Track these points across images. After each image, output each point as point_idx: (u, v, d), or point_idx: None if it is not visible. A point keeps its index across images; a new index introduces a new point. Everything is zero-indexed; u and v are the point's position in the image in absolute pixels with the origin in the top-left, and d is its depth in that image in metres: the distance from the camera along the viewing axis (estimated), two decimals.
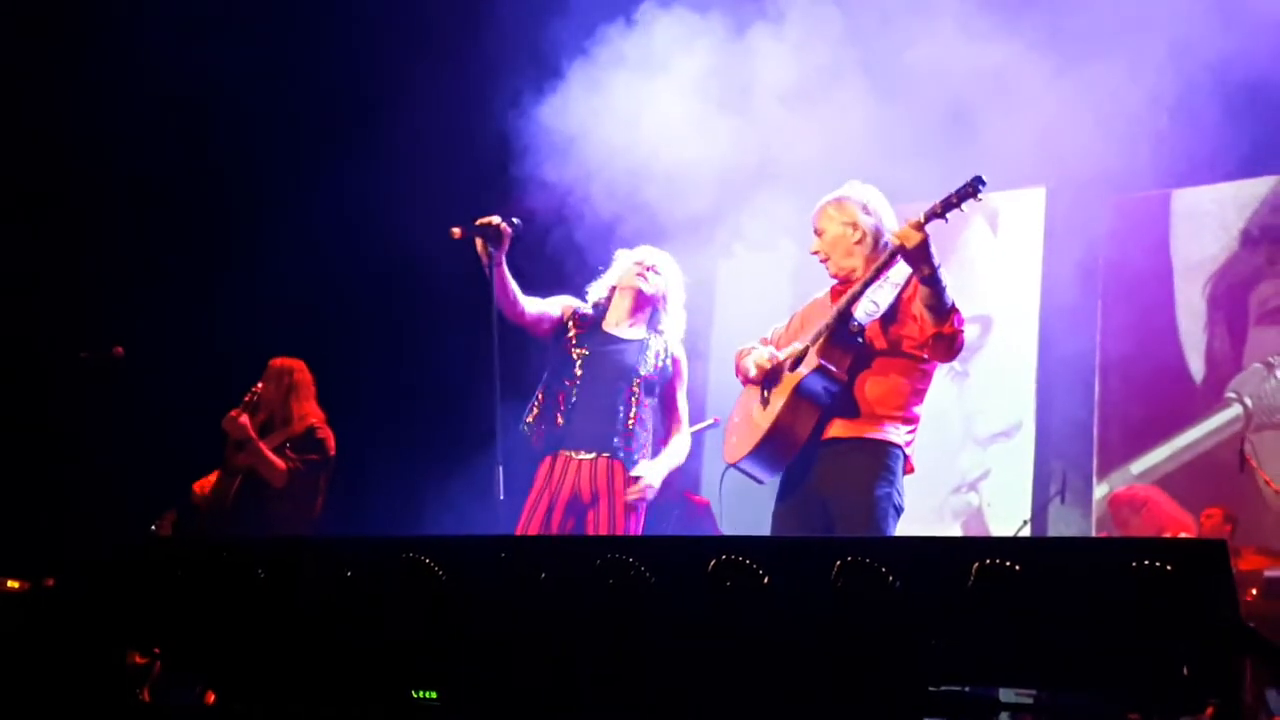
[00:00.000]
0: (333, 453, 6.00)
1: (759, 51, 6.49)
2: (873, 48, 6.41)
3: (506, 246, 4.52)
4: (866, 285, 4.05)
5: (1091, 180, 7.41)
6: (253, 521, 5.78)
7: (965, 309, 4.05)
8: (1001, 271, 7.72)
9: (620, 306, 4.81)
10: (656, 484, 4.70)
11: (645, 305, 4.82)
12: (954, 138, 6.61)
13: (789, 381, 4.09)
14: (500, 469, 4.44)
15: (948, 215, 3.86)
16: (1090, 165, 7.07)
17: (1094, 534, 7.34)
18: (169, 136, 7.43)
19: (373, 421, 7.64)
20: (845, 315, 4.05)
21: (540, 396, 4.73)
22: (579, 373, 4.67)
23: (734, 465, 4.22)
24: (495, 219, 4.50)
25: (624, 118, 6.40)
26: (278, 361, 6.07)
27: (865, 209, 4.24)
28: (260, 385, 5.91)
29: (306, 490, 5.92)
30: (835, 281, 4.31)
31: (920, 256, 3.85)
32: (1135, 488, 6.99)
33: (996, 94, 6.38)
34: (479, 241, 4.50)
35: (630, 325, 4.80)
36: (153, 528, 6.09)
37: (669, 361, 4.80)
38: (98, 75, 7.16)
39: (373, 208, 7.40)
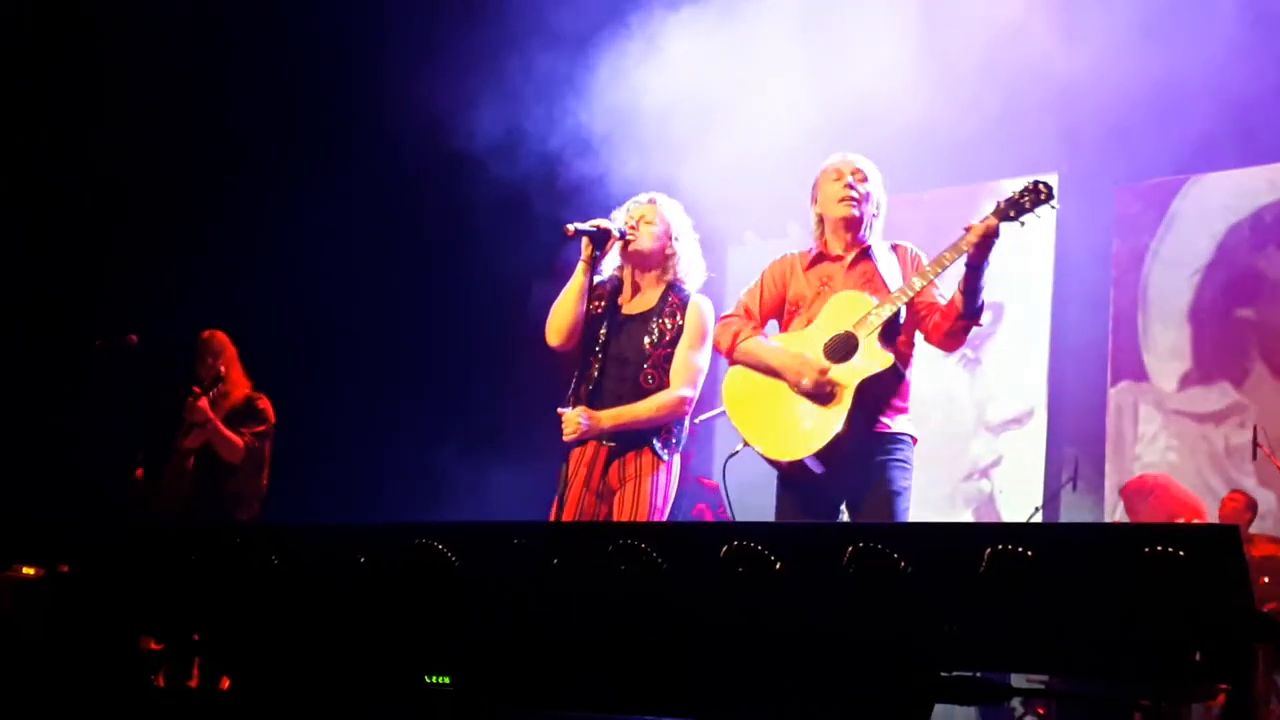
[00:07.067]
0: (272, 420, 6.04)
1: (768, 34, 6.48)
2: (884, 36, 6.39)
3: (606, 253, 4.54)
4: (943, 269, 3.95)
5: (1105, 167, 7.40)
6: (210, 501, 5.85)
7: None
8: (1014, 258, 7.70)
9: (628, 281, 4.66)
10: (603, 425, 4.39)
11: (650, 264, 4.60)
12: (966, 125, 6.60)
13: (850, 376, 3.95)
14: (565, 465, 4.44)
15: (1022, 220, 3.84)
16: (1103, 152, 7.06)
17: (1107, 521, 7.34)
18: (171, 132, 7.45)
19: (379, 405, 7.69)
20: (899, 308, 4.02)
21: (573, 383, 4.56)
22: (598, 355, 4.50)
23: (794, 463, 4.02)
24: (609, 224, 4.52)
25: (630, 105, 6.40)
26: (206, 334, 6.11)
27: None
28: (205, 363, 5.97)
29: (256, 464, 5.96)
30: (820, 247, 4.30)
31: (989, 248, 3.87)
32: (1145, 476, 6.96)
33: (1009, 79, 6.37)
34: (586, 240, 4.48)
35: (644, 295, 4.61)
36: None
37: (679, 325, 4.52)
38: (103, 71, 7.20)
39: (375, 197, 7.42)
